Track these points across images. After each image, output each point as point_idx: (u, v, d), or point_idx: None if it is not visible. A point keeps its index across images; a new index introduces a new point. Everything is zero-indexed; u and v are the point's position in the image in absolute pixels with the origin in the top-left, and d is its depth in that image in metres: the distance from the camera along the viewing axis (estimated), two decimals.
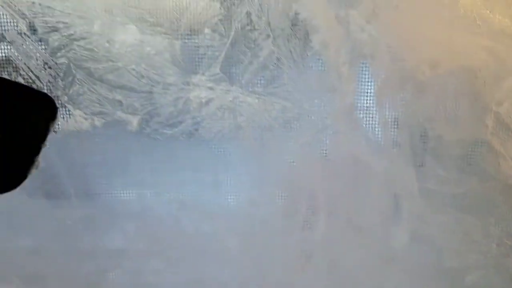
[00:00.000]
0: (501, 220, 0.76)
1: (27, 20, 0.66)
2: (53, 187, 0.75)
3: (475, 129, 0.72)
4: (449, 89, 0.69)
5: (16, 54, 0.67)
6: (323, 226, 0.75)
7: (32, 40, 0.67)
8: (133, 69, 0.68)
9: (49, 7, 0.65)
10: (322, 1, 0.64)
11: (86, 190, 0.75)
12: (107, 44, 0.67)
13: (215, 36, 0.67)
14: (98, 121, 0.71)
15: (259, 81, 0.69)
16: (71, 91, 0.69)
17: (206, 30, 0.67)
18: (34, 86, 0.68)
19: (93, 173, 0.75)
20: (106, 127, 0.71)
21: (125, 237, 0.78)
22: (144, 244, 0.78)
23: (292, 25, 0.66)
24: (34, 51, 0.67)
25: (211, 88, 0.70)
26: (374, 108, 0.69)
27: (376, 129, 0.70)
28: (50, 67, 0.68)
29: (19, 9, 0.66)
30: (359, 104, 0.69)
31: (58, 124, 0.70)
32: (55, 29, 0.66)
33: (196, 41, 0.68)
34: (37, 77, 0.68)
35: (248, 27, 0.66)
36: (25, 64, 0.67)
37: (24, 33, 0.66)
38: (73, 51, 0.67)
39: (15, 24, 0.66)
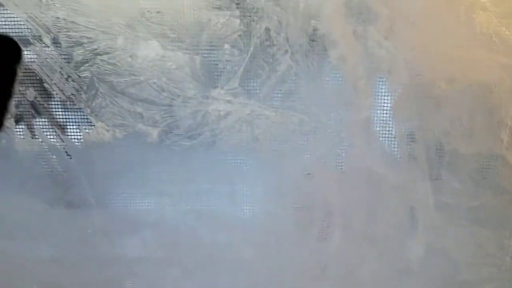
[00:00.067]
0: None
1: (51, 34, 0.68)
2: (74, 196, 0.76)
3: (490, 144, 0.72)
4: (465, 104, 0.70)
5: (40, 67, 0.69)
6: (338, 237, 0.76)
7: (56, 54, 0.68)
8: (154, 83, 0.70)
9: (73, 22, 0.67)
10: (340, 17, 0.66)
11: (106, 199, 0.77)
12: (129, 59, 0.69)
13: (234, 51, 0.69)
14: (119, 133, 0.72)
15: (276, 95, 0.71)
16: (94, 104, 0.71)
17: (226, 46, 0.68)
18: (57, 98, 0.70)
19: (114, 183, 0.76)
20: (127, 139, 0.73)
21: (144, 246, 0.79)
22: (161, 253, 0.79)
23: (310, 41, 0.67)
24: (58, 64, 0.69)
25: (229, 102, 0.71)
26: (391, 122, 0.70)
27: (393, 143, 0.71)
28: (73, 80, 0.70)
29: (43, 24, 0.68)
30: (375, 118, 0.70)
31: (81, 135, 0.72)
32: (79, 44, 0.68)
33: (216, 56, 0.69)
34: (61, 90, 0.70)
35: (267, 43, 0.68)
36: (48, 76, 0.69)
37: (49, 47, 0.68)
38: (97, 65, 0.69)
39: (40, 38, 0.68)
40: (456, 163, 0.73)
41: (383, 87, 0.69)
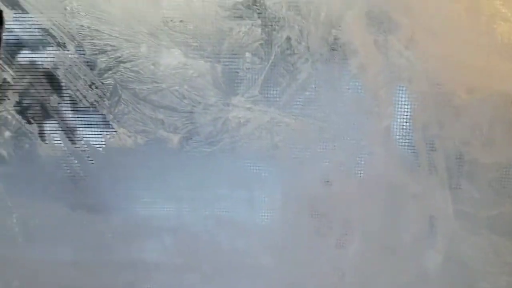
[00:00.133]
0: None
1: (76, 42, 0.69)
2: (95, 201, 0.78)
3: (510, 153, 0.72)
4: (485, 114, 0.70)
5: (64, 73, 0.70)
6: (356, 245, 0.76)
7: (80, 61, 0.70)
8: (176, 90, 0.71)
9: (97, 30, 0.68)
10: (361, 27, 0.66)
11: (127, 204, 0.78)
12: (152, 67, 0.70)
13: (255, 60, 0.70)
14: (141, 139, 0.74)
15: (296, 103, 0.71)
16: (116, 110, 0.72)
17: (247, 54, 0.69)
18: (81, 104, 0.72)
19: (134, 188, 0.77)
20: (148, 145, 0.74)
21: (162, 251, 0.80)
22: (180, 258, 0.80)
23: (331, 50, 0.68)
24: (82, 71, 0.70)
25: (249, 109, 0.72)
26: (411, 131, 0.70)
27: (412, 152, 0.71)
28: (97, 87, 0.71)
29: (68, 31, 0.69)
30: (395, 127, 0.70)
31: (104, 141, 0.74)
32: (103, 52, 0.69)
33: (237, 64, 0.70)
34: (84, 96, 0.71)
35: (288, 51, 0.68)
36: (72, 83, 0.71)
37: (73, 54, 0.70)
38: (120, 72, 0.70)
39: (64, 45, 0.69)
40: (476, 172, 0.73)
41: (403, 96, 0.69)
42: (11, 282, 0.82)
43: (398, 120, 0.70)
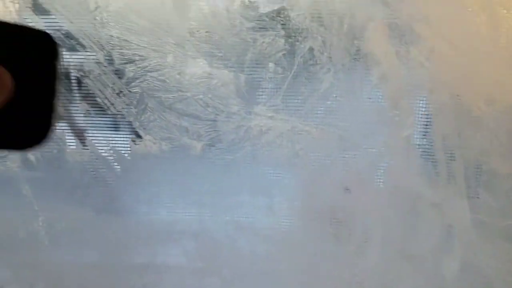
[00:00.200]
0: None
1: (105, 51, 0.72)
2: (120, 205, 0.80)
3: None
4: (504, 125, 0.71)
5: (93, 82, 0.73)
6: (375, 253, 0.77)
7: (109, 70, 0.72)
8: (200, 99, 0.73)
9: (126, 40, 0.71)
10: (383, 38, 0.67)
11: (150, 209, 0.80)
12: (178, 76, 0.72)
13: (278, 70, 0.71)
14: (165, 146, 0.76)
15: (318, 112, 0.73)
16: (142, 118, 0.74)
17: (270, 64, 0.71)
18: (108, 112, 0.74)
19: (158, 193, 0.79)
20: (172, 151, 0.76)
21: (184, 255, 0.82)
22: (201, 263, 0.82)
23: (353, 60, 0.69)
24: (111, 80, 0.72)
25: (271, 118, 0.74)
26: (431, 141, 0.71)
27: (432, 161, 0.72)
28: (124, 95, 0.73)
29: (98, 41, 0.71)
30: (416, 136, 0.71)
31: (130, 147, 0.76)
32: (131, 61, 0.71)
33: (260, 74, 0.72)
34: (112, 104, 0.73)
35: (311, 62, 0.70)
36: (101, 91, 0.73)
37: (102, 63, 0.72)
38: (147, 81, 0.72)
39: (94, 54, 0.72)
40: (494, 182, 0.74)
41: (424, 106, 0.70)
42: (36, 283, 0.85)
43: (418, 130, 0.71)
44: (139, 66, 0.71)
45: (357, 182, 0.74)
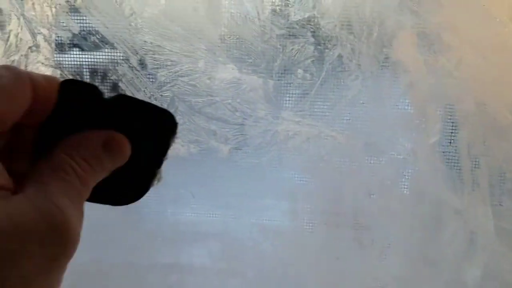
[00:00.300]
0: None
1: (138, 56, 0.74)
2: (146, 205, 0.82)
3: None
4: None
5: (126, 85, 0.75)
6: (398, 258, 0.78)
7: (141, 75, 0.74)
8: (229, 103, 0.75)
9: (159, 46, 0.73)
10: (412, 47, 0.69)
11: (177, 209, 0.82)
12: (208, 81, 0.73)
13: (306, 76, 0.73)
14: (193, 148, 0.77)
15: (345, 118, 0.74)
16: None
17: (299, 71, 0.73)
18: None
19: (184, 194, 0.81)
20: (199, 154, 0.78)
21: (208, 256, 0.83)
22: (225, 264, 0.84)
23: (381, 67, 0.70)
24: (143, 84, 0.74)
25: (298, 123, 0.75)
26: (456, 149, 0.72)
27: (457, 169, 0.73)
28: (156, 99, 0.75)
29: (132, 46, 0.73)
30: (442, 144, 0.72)
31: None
32: (164, 66, 0.73)
33: (288, 80, 0.73)
34: None
35: (339, 69, 0.71)
36: (133, 95, 0.75)
37: (135, 68, 0.74)
38: (178, 86, 0.74)
39: (127, 59, 0.74)
40: None
41: (450, 114, 0.71)
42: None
43: (445, 137, 0.72)
44: (170, 71, 0.73)
45: (382, 188, 0.75)
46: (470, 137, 0.72)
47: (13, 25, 0.74)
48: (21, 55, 0.74)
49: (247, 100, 0.74)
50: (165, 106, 0.70)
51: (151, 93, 0.74)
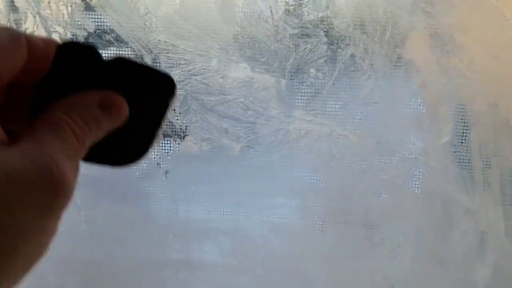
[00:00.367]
0: None
1: (152, 55, 0.74)
2: (158, 202, 0.83)
3: None
4: None
5: None
6: (408, 257, 0.78)
7: None
8: (241, 102, 0.75)
9: (173, 45, 0.73)
10: (424, 47, 0.69)
11: (188, 206, 0.83)
12: (221, 80, 0.74)
13: (318, 75, 0.73)
14: (205, 146, 0.78)
15: (357, 117, 0.74)
16: (185, 119, 0.77)
17: (311, 70, 0.73)
18: None
19: (196, 192, 0.82)
20: (211, 152, 0.78)
21: (219, 253, 0.84)
22: (235, 260, 0.84)
23: (394, 67, 0.71)
24: None
25: (310, 122, 0.76)
26: (468, 149, 0.72)
27: (468, 169, 0.73)
28: None
29: (146, 45, 0.74)
30: (454, 144, 0.72)
31: (171, 147, 0.78)
32: (177, 65, 0.74)
33: (301, 79, 0.74)
34: None
35: (352, 68, 0.72)
36: None
37: None
38: (191, 84, 0.75)
39: (142, 57, 0.74)
40: None
41: (462, 114, 0.71)
42: (73, 276, 0.88)
43: (456, 137, 0.72)
44: (184, 69, 0.74)
45: (393, 187, 0.75)
46: (481, 137, 0.72)
47: (29, 24, 0.75)
48: None
49: (259, 99, 0.75)
50: (178, 104, 0.71)
51: None
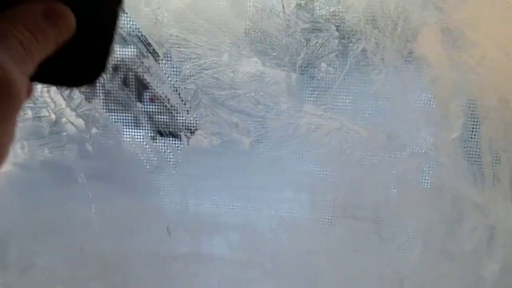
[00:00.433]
0: None
1: (164, 49, 0.75)
2: (169, 196, 0.83)
3: None
4: None
5: (151, 77, 0.76)
6: (417, 251, 0.79)
7: (167, 67, 0.75)
8: (252, 96, 0.76)
9: (185, 39, 0.74)
10: (435, 42, 0.69)
11: (198, 200, 0.83)
12: (231, 74, 0.74)
13: (329, 70, 0.73)
14: (215, 140, 0.78)
15: (367, 112, 0.75)
16: (195, 113, 0.77)
17: (322, 64, 0.73)
18: (162, 107, 0.77)
19: (206, 186, 0.82)
20: (221, 146, 0.79)
21: (228, 247, 0.85)
22: (244, 254, 0.85)
23: (405, 62, 0.71)
24: (168, 76, 0.76)
25: (320, 116, 0.76)
26: (478, 144, 0.72)
27: (478, 164, 0.73)
28: (180, 92, 0.76)
29: (158, 39, 0.74)
30: (464, 139, 0.72)
31: (181, 141, 0.79)
32: (188, 59, 0.74)
33: (312, 73, 0.74)
34: (168, 99, 0.77)
35: (363, 63, 0.72)
36: (158, 86, 0.76)
37: (161, 61, 0.75)
38: (202, 78, 0.75)
39: (153, 51, 0.75)
40: None
41: (473, 110, 0.71)
42: (83, 269, 0.89)
43: (466, 132, 0.72)
44: (195, 64, 0.74)
45: (403, 182, 0.76)
46: (491, 133, 0.72)
47: None
48: None
49: (270, 93, 0.75)
50: (189, 98, 0.72)
51: (176, 85, 0.75)
